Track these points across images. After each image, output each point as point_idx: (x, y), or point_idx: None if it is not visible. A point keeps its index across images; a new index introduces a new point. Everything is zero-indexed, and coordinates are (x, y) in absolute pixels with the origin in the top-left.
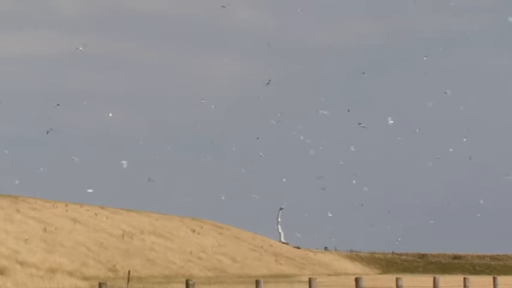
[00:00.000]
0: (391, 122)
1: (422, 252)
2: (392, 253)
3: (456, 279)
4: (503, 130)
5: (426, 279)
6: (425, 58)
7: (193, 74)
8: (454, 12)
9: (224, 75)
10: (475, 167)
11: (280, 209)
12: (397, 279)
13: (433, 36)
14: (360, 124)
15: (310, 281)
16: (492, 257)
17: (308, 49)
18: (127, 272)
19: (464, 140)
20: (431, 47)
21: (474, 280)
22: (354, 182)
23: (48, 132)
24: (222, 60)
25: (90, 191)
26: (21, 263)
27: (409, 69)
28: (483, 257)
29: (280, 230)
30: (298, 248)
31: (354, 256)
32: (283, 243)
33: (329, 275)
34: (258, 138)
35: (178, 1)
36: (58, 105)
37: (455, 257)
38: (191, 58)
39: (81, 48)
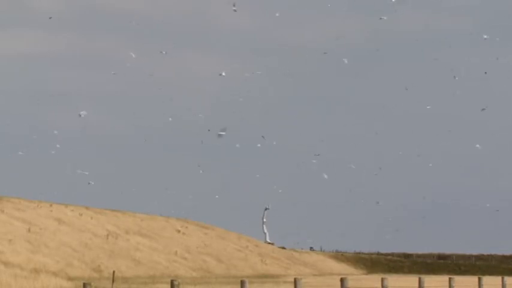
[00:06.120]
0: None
1: (407, 252)
2: (378, 253)
3: (441, 279)
4: (493, 130)
5: (411, 279)
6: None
7: (191, 73)
8: (452, 12)
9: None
10: (461, 167)
11: (266, 209)
12: (382, 279)
13: (431, 36)
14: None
15: (295, 281)
16: (477, 257)
17: (302, 48)
18: (112, 272)
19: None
20: (429, 46)
21: (459, 280)
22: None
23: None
24: (218, 60)
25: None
26: (5, 264)
27: (406, 69)
28: (468, 257)
29: (265, 230)
30: (284, 248)
31: (340, 256)
32: (269, 243)
33: (314, 275)
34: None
35: (174, 1)
36: None
37: (440, 257)
38: (188, 58)
39: None
